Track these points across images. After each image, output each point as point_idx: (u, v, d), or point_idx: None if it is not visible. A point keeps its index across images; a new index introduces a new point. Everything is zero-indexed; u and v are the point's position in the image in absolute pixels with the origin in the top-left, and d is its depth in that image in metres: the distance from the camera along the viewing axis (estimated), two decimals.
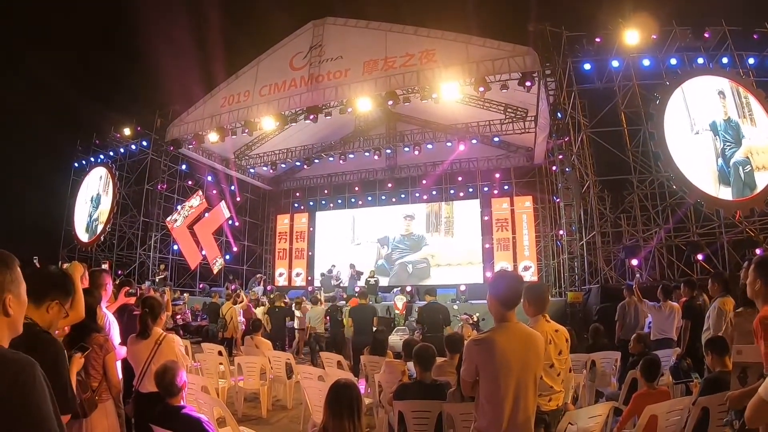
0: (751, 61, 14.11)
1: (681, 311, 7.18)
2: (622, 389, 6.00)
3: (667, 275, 13.56)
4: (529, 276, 20.17)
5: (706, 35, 14.13)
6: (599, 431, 4.15)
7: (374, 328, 9.78)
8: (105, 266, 17.23)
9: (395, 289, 17.08)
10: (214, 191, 22.49)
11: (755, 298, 2.84)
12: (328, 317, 12.46)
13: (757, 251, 11.62)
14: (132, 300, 5.47)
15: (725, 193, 12.66)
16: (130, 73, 24.95)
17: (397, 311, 14.48)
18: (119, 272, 19.67)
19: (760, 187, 12.57)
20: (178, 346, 4.44)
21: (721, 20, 13.97)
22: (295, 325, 12.92)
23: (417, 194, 24.30)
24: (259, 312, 13.40)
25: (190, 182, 22.33)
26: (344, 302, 15.33)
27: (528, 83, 14.47)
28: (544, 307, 3.88)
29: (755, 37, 14.05)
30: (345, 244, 24.09)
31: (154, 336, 4.31)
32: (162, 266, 20.09)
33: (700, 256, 13.25)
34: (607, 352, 7.47)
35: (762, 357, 2.50)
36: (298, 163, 22.95)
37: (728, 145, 12.92)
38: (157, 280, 18.53)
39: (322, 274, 20.76)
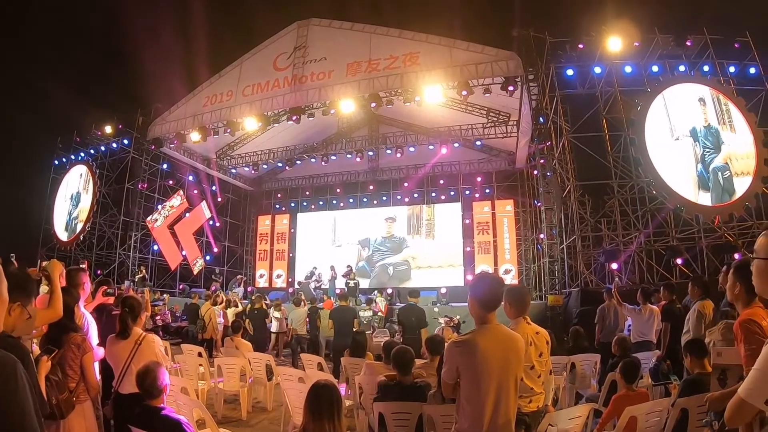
0: (731, 69, 14.38)
1: (660, 314, 7.25)
2: (601, 391, 6.03)
3: (646, 279, 13.74)
4: (510, 279, 20.26)
5: (688, 43, 14.35)
6: None
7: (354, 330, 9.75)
8: (84, 265, 16.98)
9: (374, 292, 17.05)
10: (195, 191, 22.33)
11: (735, 302, 2.89)
12: (308, 319, 12.41)
13: (736, 256, 11.75)
14: (110, 300, 5.39)
15: (704, 199, 12.84)
16: (113, 71, 24.72)
17: (380, 313, 14.45)
18: (98, 272, 19.44)
19: (739, 193, 12.77)
20: (158, 346, 4.37)
21: (703, 29, 14.23)
22: (273, 329, 12.82)
23: (398, 196, 24.39)
24: (231, 313, 13.29)
25: (171, 182, 22.14)
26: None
27: (511, 88, 14.60)
28: (526, 309, 3.90)
29: (736, 46, 14.31)
30: (326, 246, 24.04)
31: (134, 336, 4.24)
32: (141, 267, 19.89)
33: (679, 261, 13.39)
34: (586, 354, 7.51)
35: (742, 359, 2.53)
36: (279, 164, 22.82)
37: (708, 151, 13.11)
38: (136, 280, 18.32)
39: (299, 283, 20.62)
